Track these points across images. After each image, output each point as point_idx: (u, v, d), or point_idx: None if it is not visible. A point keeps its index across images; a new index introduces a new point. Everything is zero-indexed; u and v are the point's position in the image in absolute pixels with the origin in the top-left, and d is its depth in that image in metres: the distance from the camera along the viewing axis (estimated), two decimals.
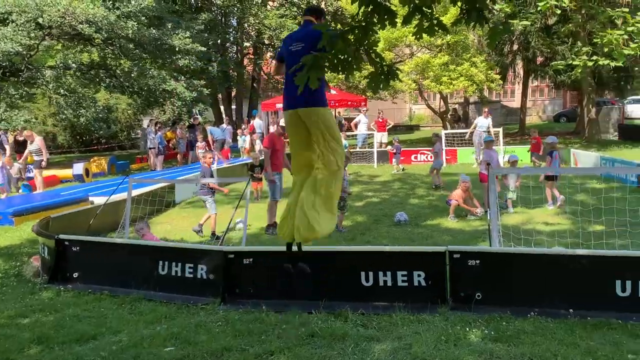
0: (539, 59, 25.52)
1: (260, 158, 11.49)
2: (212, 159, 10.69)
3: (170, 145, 26.55)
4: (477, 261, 5.00)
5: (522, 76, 27.83)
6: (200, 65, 22.59)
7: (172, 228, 9.84)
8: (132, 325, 5.01)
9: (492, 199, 5.72)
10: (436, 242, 7.73)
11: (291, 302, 5.30)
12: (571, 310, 4.70)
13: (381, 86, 3.20)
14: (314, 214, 4.13)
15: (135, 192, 10.98)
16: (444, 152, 15.39)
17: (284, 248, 4.46)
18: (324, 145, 4.25)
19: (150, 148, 18.74)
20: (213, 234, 8.95)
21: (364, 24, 3.03)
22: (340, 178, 4.49)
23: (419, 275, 5.12)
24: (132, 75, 19.47)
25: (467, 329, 4.53)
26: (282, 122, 10.25)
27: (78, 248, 6.38)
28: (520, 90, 40.56)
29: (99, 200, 12.49)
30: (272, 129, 19.68)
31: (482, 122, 16.18)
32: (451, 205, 9.39)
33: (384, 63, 3.12)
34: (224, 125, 22.63)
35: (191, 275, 5.75)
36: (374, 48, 3.11)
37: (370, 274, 5.22)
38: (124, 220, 7.48)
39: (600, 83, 23.56)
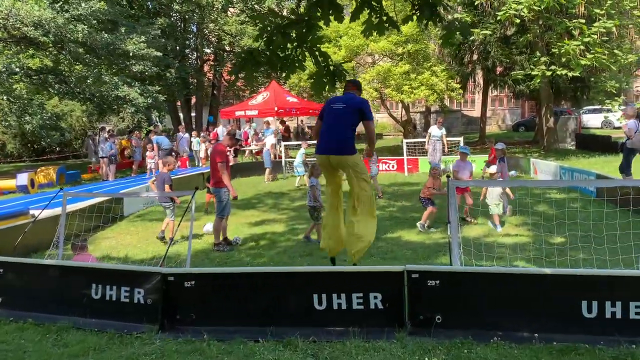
0: (499, 69, 25.79)
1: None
2: (172, 166, 10.14)
3: (125, 154, 25.65)
4: (437, 281, 4.64)
5: (482, 86, 28.08)
6: (156, 71, 21.87)
7: (116, 244, 9.19)
8: None
9: (452, 213, 5.39)
10: (396, 256, 7.38)
11: (237, 329, 4.83)
12: (536, 335, 4.38)
13: (326, 88, 2.80)
14: (359, 233, 5.59)
15: (78, 206, 10.31)
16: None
17: (231, 269, 4.03)
18: (356, 181, 5.63)
19: (101, 157, 17.91)
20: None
21: (306, 18, 2.63)
22: (372, 200, 5.84)
23: (375, 298, 4.73)
24: (88, 81, 18.61)
25: (426, 359, 4.15)
26: (229, 134, 9.76)
27: (1, 270, 5.73)
28: (480, 100, 41.26)
29: (42, 213, 11.72)
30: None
31: (435, 132, 16.05)
32: (426, 213, 9.05)
33: (330, 62, 2.71)
34: (181, 134, 21.95)
35: (127, 300, 5.20)
36: (318, 46, 2.70)
37: (324, 296, 4.80)
38: (57, 237, 6.83)
39: (558, 93, 23.90)
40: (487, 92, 28.41)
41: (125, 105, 19.63)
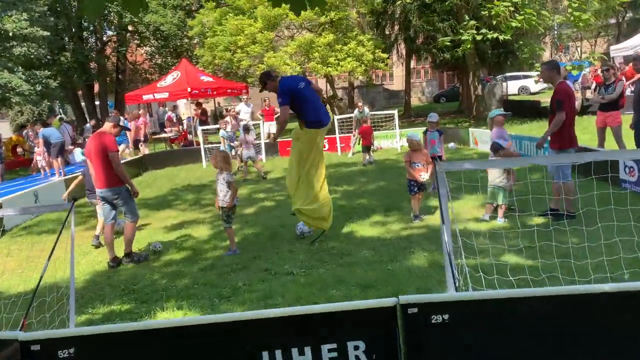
0: (420, 39, 24.93)
1: None
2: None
3: (17, 151, 22.49)
4: (446, 316, 3.15)
5: (404, 57, 27.14)
6: (45, 54, 18.92)
7: None
8: None
9: (444, 209, 3.90)
10: (356, 261, 5.88)
11: None
12: None
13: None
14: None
15: None
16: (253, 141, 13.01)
17: (133, 325, 2.37)
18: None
19: None
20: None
21: None
22: None
23: (356, 348, 3.17)
24: None
25: None
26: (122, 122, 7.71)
27: None
28: (400, 73, 40.66)
29: None
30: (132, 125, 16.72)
31: (359, 116, 14.71)
32: (414, 201, 7.48)
33: None
34: (88, 125, 19.25)
35: None
36: None
37: (278, 353, 3.19)
38: None
39: (482, 60, 23.34)
40: (409, 64, 27.53)
41: (8, 95, 16.66)
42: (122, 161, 11.23)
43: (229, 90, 20.92)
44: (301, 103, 6.59)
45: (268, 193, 10.65)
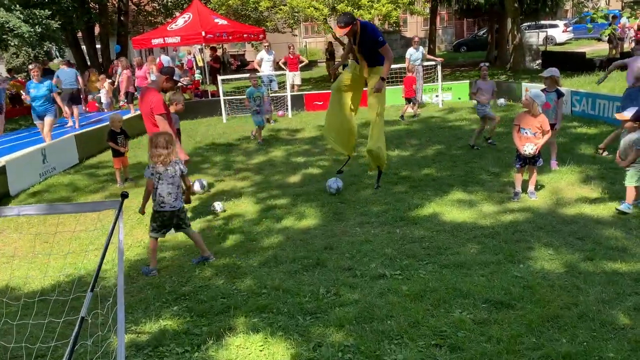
0: None
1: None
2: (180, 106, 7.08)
3: (22, 98, 20.84)
4: None
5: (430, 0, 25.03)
6: None
7: None
8: None
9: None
10: (464, 261, 4.63)
11: None
12: None
13: None
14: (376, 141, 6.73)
15: None
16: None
17: None
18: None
19: None
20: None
21: None
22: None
23: None
24: None
25: None
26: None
27: None
28: (413, 19, 38.36)
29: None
30: (150, 77, 15.08)
31: (415, 55, 13.13)
32: (517, 176, 6.17)
33: None
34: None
35: None
36: None
37: None
38: None
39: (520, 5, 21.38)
40: (436, 8, 25.44)
41: (5, 36, 14.96)
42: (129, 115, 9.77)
43: (245, 35, 19.11)
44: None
45: (308, 157, 9.31)
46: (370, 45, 6.54)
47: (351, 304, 4.03)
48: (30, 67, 11.07)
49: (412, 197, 6.56)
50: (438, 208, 6.07)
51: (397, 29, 21.78)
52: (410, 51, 13.25)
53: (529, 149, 5.81)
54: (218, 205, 6.58)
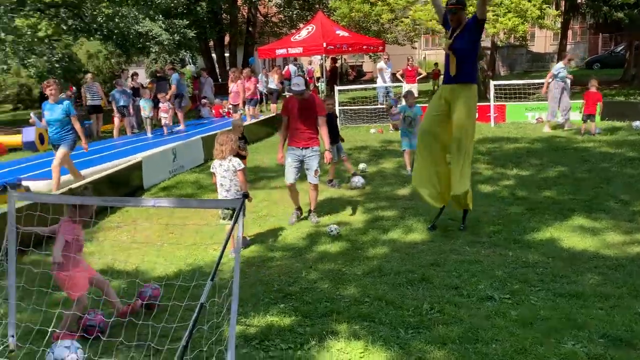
0: None
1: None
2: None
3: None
4: None
5: (562, 14, 23.67)
6: (184, 3, 18.61)
7: (127, 240, 6.44)
8: None
9: None
10: (581, 291, 4.35)
11: None
12: None
13: None
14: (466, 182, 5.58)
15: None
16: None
17: None
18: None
19: (122, 106, 14.70)
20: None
21: None
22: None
23: None
24: (102, 12, 15.55)
25: None
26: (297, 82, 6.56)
27: None
28: (541, 34, 36.33)
29: (38, 184, 9.07)
30: (272, 82, 15.74)
31: (563, 72, 12.32)
32: None
33: None
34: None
35: None
36: None
37: None
38: (5, 245, 3.94)
39: None
40: (568, 22, 23.99)
41: (148, 44, 16.56)
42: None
43: (364, 47, 19.40)
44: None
45: None
46: (468, 45, 5.42)
47: (455, 323, 3.96)
48: (44, 83, 8.40)
49: (528, 219, 6.27)
50: (556, 233, 5.75)
51: (524, 43, 20.69)
52: (559, 67, 12.55)
53: None
54: (334, 228, 6.20)
